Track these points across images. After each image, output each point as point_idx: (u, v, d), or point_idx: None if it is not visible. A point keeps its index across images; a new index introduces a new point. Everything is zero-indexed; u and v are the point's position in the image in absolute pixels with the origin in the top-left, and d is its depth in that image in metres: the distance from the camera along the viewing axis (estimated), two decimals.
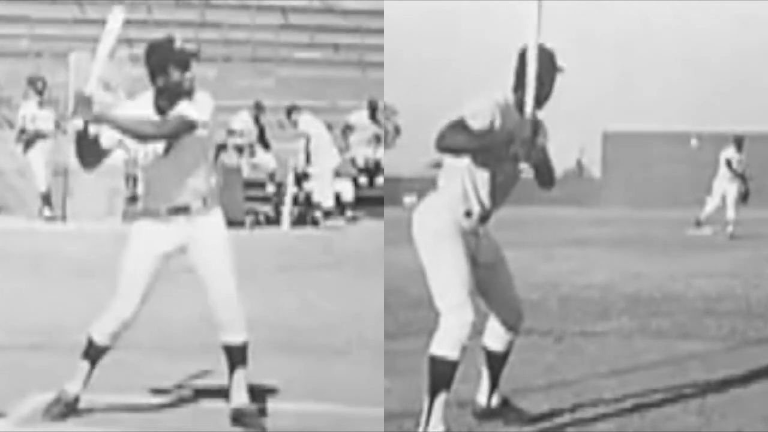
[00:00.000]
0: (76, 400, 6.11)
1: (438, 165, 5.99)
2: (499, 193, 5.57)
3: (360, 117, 19.93)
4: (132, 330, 6.12)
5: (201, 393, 6.65)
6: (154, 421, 6.21)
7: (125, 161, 6.23)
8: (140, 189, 6.13)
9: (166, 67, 5.89)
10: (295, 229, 17.48)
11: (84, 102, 5.77)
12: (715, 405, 6.23)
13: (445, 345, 5.35)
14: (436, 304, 5.43)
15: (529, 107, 5.33)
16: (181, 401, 6.54)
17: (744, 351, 7.91)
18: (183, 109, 5.87)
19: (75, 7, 22.34)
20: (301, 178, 18.33)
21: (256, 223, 17.49)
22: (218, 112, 6.15)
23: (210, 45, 21.12)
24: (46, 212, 17.26)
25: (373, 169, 19.60)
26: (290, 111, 18.89)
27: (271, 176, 18.39)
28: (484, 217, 5.57)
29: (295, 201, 18.15)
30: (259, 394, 6.35)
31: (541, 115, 5.48)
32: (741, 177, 20.68)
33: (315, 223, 17.89)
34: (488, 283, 5.62)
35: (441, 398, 5.37)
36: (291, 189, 18.01)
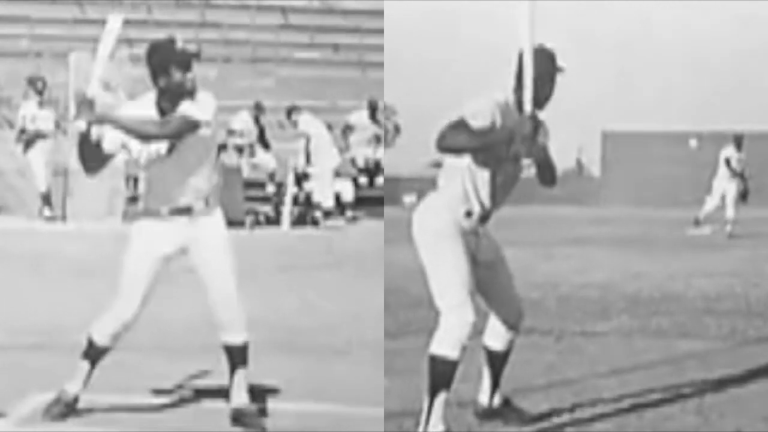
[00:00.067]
0: (76, 400, 6.12)
1: (438, 165, 6.00)
2: (500, 193, 5.58)
3: (360, 117, 19.93)
4: (132, 330, 6.12)
5: (201, 393, 6.66)
6: (155, 421, 6.22)
7: (126, 162, 6.22)
8: (141, 189, 6.14)
9: (167, 67, 5.90)
10: (295, 229, 17.48)
11: (86, 104, 5.78)
12: (714, 404, 6.24)
13: (445, 344, 5.36)
14: (436, 304, 5.44)
15: (527, 105, 5.34)
16: (182, 401, 6.54)
17: (743, 350, 7.92)
18: (186, 108, 5.87)
19: (75, 7, 22.36)
20: (301, 178, 18.34)
21: (256, 223, 17.50)
22: (218, 113, 6.15)
23: (210, 45, 21.12)
24: (46, 212, 17.26)
25: (373, 169, 19.60)
26: (290, 111, 18.89)
27: (271, 176, 18.39)
28: (485, 217, 5.58)
29: (295, 201, 18.16)
30: (259, 394, 6.36)
31: (541, 114, 5.49)
32: (740, 176, 20.68)
33: (315, 223, 17.90)
34: (488, 282, 5.63)
35: (441, 398, 5.38)
36: (291, 189, 18.01)
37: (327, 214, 18.08)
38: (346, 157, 19.29)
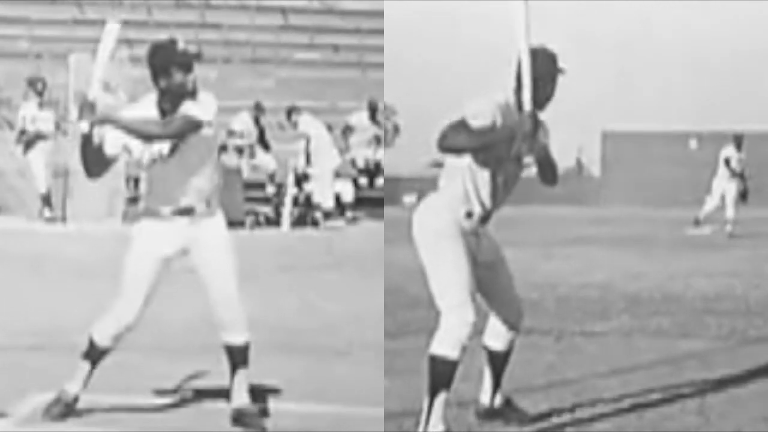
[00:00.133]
0: (76, 400, 6.12)
1: (438, 164, 6.01)
2: (500, 193, 5.58)
3: (360, 118, 19.93)
4: (133, 331, 6.12)
5: (201, 393, 6.66)
6: (155, 421, 6.22)
7: (126, 163, 6.22)
8: (142, 190, 6.14)
9: (168, 68, 5.90)
10: (295, 230, 17.49)
11: (88, 106, 5.77)
12: (714, 404, 6.24)
13: (445, 344, 5.36)
14: (436, 304, 5.45)
15: (527, 103, 5.34)
16: (182, 402, 6.54)
17: (744, 350, 7.92)
18: (188, 108, 5.87)
19: (75, 8, 22.35)
20: (301, 179, 18.34)
21: (257, 223, 17.50)
22: (218, 113, 6.16)
23: (210, 46, 21.13)
24: (46, 213, 17.27)
25: (373, 170, 19.60)
26: (290, 112, 18.90)
27: (271, 177, 18.40)
28: (485, 218, 5.59)
29: (295, 202, 18.16)
30: (259, 394, 6.36)
31: (541, 114, 5.50)
32: (740, 176, 20.68)
33: (315, 223, 17.90)
34: (489, 282, 5.64)
35: (441, 398, 5.38)
36: (291, 190, 18.02)
37: (327, 214, 18.08)
38: (346, 158, 19.29)
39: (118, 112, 6.12)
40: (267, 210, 18.03)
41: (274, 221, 17.79)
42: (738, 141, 20.97)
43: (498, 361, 5.88)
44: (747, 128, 26.16)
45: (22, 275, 11.51)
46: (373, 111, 19.93)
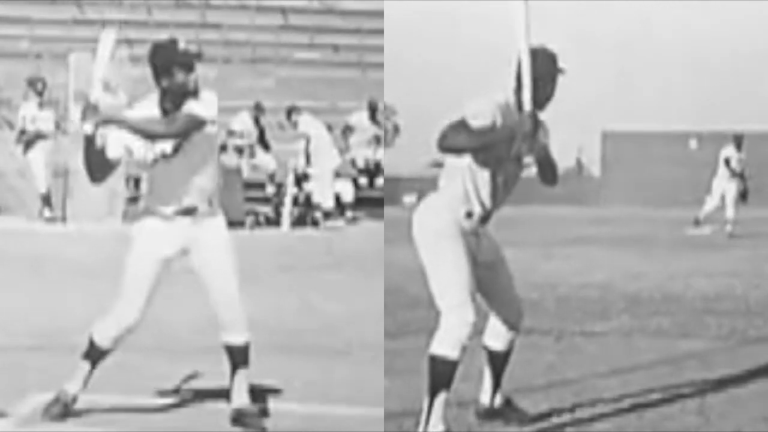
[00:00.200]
0: (74, 400, 6.12)
1: (438, 164, 6.01)
2: (500, 193, 5.58)
3: (360, 118, 19.93)
4: (133, 332, 6.12)
5: (201, 394, 6.66)
6: (155, 421, 6.22)
7: (126, 162, 6.21)
8: (143, 189, 6.14)
9: (170, 68, 5.89)
10: (295, 230, 17.49)
11: (91, 108, 5.77)
12: (714, 404, 6.24)
13: (445, 344, 5.36)
14: (436, 304, 5.45)
15: (527, 103, 5.34)
16: (182, 402, 6.54)
17: (744, 350, 7.92)
18: (191, 107, 5.87)
19: (75, 8, 22.35)
20: (301, 179, 18.33)
21: (257, 223, 17.50)
22: (218, 113, 6.16)
23: (210, 46, 21.12)
24: (46, 213, 17.26)
25: (373, 170, 19.60)
26: (290, 112, 18.90)
27: (271, 177, 18.39)
28: (485, 218, 5.59)
29: (295, 202, 18.16)
30: (260, 394, 6.36)
31: (541, 114, 5.50)
32: (740, 176, 20.68)
33: (315, 223, 17.90)
34: (489, 282, 5.64)
35: (441, 398, 5.38)
36: (291, 190, 18.02)
37: (327, 214, 18.08)
38: (346, 158, 19.29)
39: (121, 113, 6.12)
40: (267, 210, 18.03)
41: (274, 221, 17.79)
42: (738, 141, 20.97)
43: (498, 361, 5.88)
44: (747, 128, 26.16)
45: (22, 275, 11.50)
46: (373, 111, 19.92)
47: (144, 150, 5.94)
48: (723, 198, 20.67)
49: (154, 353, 7.47)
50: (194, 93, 5.92)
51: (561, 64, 5.57)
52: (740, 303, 10.29)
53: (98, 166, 5.97)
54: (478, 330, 5.54)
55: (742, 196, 20.56)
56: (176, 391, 6.68)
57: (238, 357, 6.10)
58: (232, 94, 18.60)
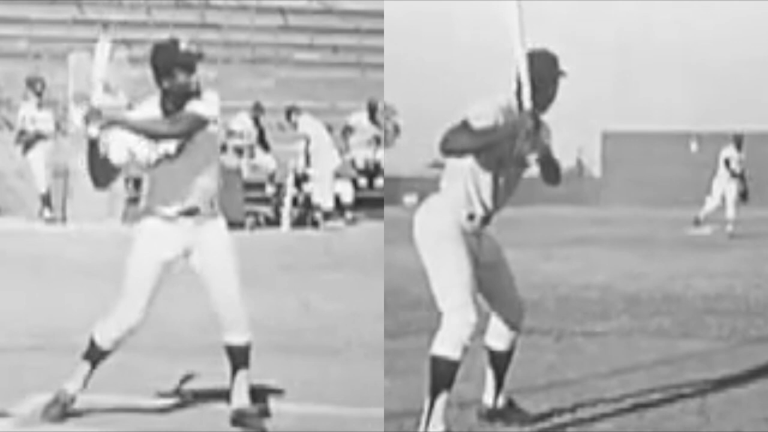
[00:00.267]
0: (73, 400, 6.11)
1: (438, 165, 6.01)
2: (502, 194, 5.59)
3: (359, 119, 19.92)
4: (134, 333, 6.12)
5: (201, 394, 6.65)
6: (155, 422, 6.22)
7: (127, 164, 6.20)
8: (144, 189, 6.12)
9: (171, 69, 5.88)
10: (295, 231, 17.48)
11: (94, 112, 5.76)
12: (715, 404, 6.23)
13: (447, 345, 5.36)
14: (438, 306, 5.44)
15: (526, 101, 5.35)
16: (182, 403, 6.53)
17: (744, 350, 7.91)
18: (194, 106, 5.87)
19: (74, 8, 22.33)
20: (300, 180, 18.33)
21: (256, 224, 17.49)
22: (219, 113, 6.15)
23: (210, 46, 21.11)
24: (46, 214, 17.26)
25: (372, 171, 19.60)
26: (290, 112, 18.90)
27: (271, 177, 18.39)
28: (486, 219, 5.59)
29: (295, 202, 18.15)
30: (260, 394, 6.35)
31: (543, 116, 5.50)
32: (740, 176, 20.68)
33: (315, 224, 17.89)
34: (490, 283, 5.63)
35: (442, 398, 5.38)
36: (291, 190, 18.01)
37: (327, 215, 18.07)
38: (346, 159, 19.28)
39: (123, 114, 6.12)
40: (267, 210, 18.02)
41: (274, 222, 17.79)
42: (738, 141, 20.97)
43: (500, 362, 5.88)
44: (747, 128, 26.17)
45: (22, 275, 11.50)
46: (372, 111, 19.92)
47: (147, 151, 5.93)
48: (723, 198, 20.67)
49: (154, 353, 7.47)
50: (196, 94, 5.91)
51: (562, 66, 5.57)
52: (741, 303, 10.29)
53: (102, 171, 5.97)
54: (479, 330, 5.53)
55: (743, 196, 20.56)
56: (177, 392, 6.67)
57: (239, 357, 6.09)
58: (231, 94, 18.59)
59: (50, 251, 13.76)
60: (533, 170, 5.64)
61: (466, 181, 5.52)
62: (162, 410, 6.40)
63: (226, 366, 6.14)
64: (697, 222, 21.31)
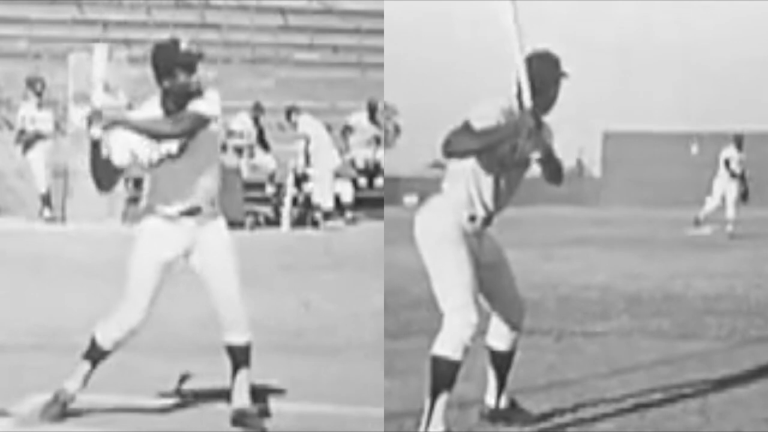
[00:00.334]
0: (72, 399, 6.10)
1: (438, 165, 6.02)
2: (503, 196, 5.60)
3: (359, 118, 19.92)
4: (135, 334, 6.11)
5: (202, 394, 6.64)
6: (155, 422, 6.21)
7: (129, 165, 6.19)
8: (145, 189, 6.11)
9: (172, 69, 5.87)
10: (295, 230, 17.48)
11: (96, 114, 5.76)
12: (715, 404, 6.23)
13: (448, 345, 5.36)
14: (440, 307, 5.44)
15: (526, 100, 5.35)
16: (182, 402, 6.53)
17: (744, 350, 7.91)
18: (196, 105, 5.86)
19: (74, 8, 22.32)
20: (300, 180, 18.33)
21: (256, 224, 17.49)
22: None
23: (210, 46, 21.09)
24: (46, 213, 17.26)
25: (372, 171, 19.60)
26: (290, 112, 18.89)
27: (271, 177, 18.38)
28: (487, 220, 5.59)
29: (295, 202, 18.15)
30: (260, 394, 6.35)
31: (544, 116, 5.51)
32: (740, 177, 20.68)
33: (315, 224, 17.89)
34: (491, 283, 5.64)
35: (443, 398, 5.37)
36: (291, 190, 18.01)
37: (327, 215, 18.07)
38: (346, 159, 19.28)
39: (125, 115, 6.11)
40: (267, 210, 18.02)
41: (274, 221, 17.78)
42: (738, 141, 20.98)
43: (502, 362, 5.88)
44: (747, 128, 26.18)
45: (22, 275, 11.50)
46: (372, 111, 19.91)
47: (149, 151, 5.92)
48: (724, 198, 20.67)
49: (154, 353, 7.46)
50: (197, 93, 5.91)
51: (564, 67, 5.57)
52: (741, 303, 10.28)
53: (105, 174, 5.96)
54: (480, 331, 5.53)
55: (743, 196, 20.57)
56: (177, 392, 6.66)
57: (240, 357, 6.09)
58: (231, 94, 18.57)
59: (50, 251, 13.76)
60: (534, 170, 5.65)
61: (468, 182, 5.52)
62: (162, 410, 6.39)
63: (227, 366, 6.13)
64: (697, 222, 21.32)
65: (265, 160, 18.49)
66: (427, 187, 6.11)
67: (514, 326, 5.81)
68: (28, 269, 11.97)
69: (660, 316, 9.48)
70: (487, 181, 5.52)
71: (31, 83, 17.82)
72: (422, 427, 5.38)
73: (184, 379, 6.73)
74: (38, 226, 16.72)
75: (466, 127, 5.35)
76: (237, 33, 22.94)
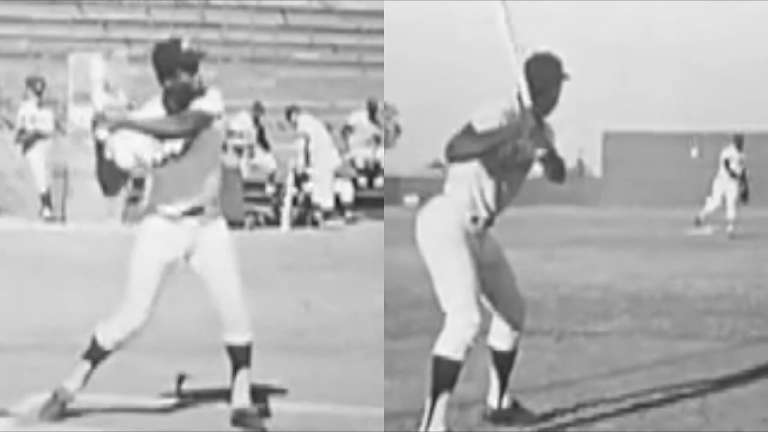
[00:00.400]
0: (72, 398, 6.09)
1: (438, 165, 6.02)
2: (505, 197, 5.61)
3: (359, 118, 19.92)
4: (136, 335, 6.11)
5: (202, 394, 6.64)
6: (155, 421, 6.21)
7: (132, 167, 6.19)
8: (147, 188, 6.11)
9: (173, 69, 5.86)
10: (295, 230, 17.48)
11: (100, 117, 5.75)
12: (715, 405, 6.23)
13: (449, 345, 5.36)
14: (442, 307, 5.44)
15: (526, 99, 5.35)
16: (182, 402, 6.53)
17: (744, 351, 7.90)
18: (199, 104, 5.86)
19: (74, 8, 22.34)
20: (300, 179, 18.33)
21: (256, 223, 17.49)
22: None
23: (210, 46, 21.07)
24: (46, 213, 17.26)
25: (372, 171, 19.60)
26: (290, 112, 18.89)
27: (271, 177, 18.39)
28: (489, 221, 5.59)
29: (295, 202, 18.15)
30: (260, 394, 6.34)
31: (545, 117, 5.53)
32: (740, 177, 20.68)
33: (315, 223, 17.89)
34: (492, 283, 5.64)
35: (443, 399, 5.37)
36: (290, 190, 18.01)
37: (326, 214, 18.07)
38: (346, 158, 19.28)
39: (129, 115, 6.10)
40: (267, 210, 18.02)
41: (274, 221, 17.78)
42: (738, 141, 20.99)
43: (504, 362, 5.87)
44: (747, 128, 26.19)
45: (22, 275, 11.50)
46: (372, 111, 19.92)
47: (152, 151, 5.91)
48: (724, 198, 20.67)
49: (154, 353, 7.45)
50: (199, 93, 5.90)
51: (565, 68, 5.58)
52: (741, 303, 10.28)
53: (111, 178, 5.95)
54: (482, 331, 5.52)
55: (743, 196, 20.57)
56: (177, 392, 6.66)
57: (240, 357, 6.09)
58: (231, 94, 18.53)
59: (50, 251, 13.76)
60: (534, 171, 5.65)
61: (470, 184, 5.52)
62: (162, 410, 6.39)
63: (227, 366, 6.13)
64: (697, 222, 21.32)
65: (265, 160, 18.49)
66: (427, 187, 6.12)
67: (516, 326, 5.81)
68: (28, 269, 11.97)
69: (660, 316, 9.48)
70: (489, 183, 5.52)
71: (31, 83, 17.82)
72: (423, 428, 5.38)
73: (181, 379, 6.72)
74: (38, 226, 16.72)
75: (469, 130, 5.36)
76: (237, 32, 22.96)
